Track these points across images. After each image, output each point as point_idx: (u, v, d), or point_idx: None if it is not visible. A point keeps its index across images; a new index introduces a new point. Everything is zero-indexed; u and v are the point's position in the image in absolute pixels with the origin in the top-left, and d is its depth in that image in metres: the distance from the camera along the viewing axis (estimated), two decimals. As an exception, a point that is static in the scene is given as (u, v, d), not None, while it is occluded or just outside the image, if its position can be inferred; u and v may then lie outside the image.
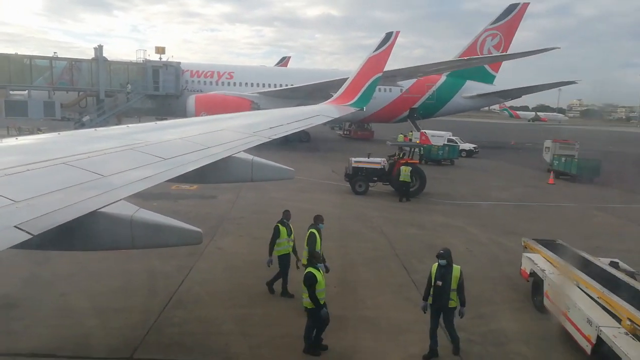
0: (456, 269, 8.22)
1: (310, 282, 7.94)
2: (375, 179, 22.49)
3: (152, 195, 16.88)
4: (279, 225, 10.42)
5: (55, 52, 40.76)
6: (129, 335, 8.44)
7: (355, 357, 8.23)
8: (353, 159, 22.56)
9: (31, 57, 39.45)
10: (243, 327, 8.95)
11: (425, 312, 8.43)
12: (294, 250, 10.59)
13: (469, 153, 40.57)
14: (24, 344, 7.95)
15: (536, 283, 10.51)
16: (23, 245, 2.99)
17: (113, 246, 5.04)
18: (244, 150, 7.31)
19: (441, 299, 8.12)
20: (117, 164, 4.85)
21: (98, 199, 3.91)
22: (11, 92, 38.60)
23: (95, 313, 9.03)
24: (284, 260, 10.40)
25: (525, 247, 11.88)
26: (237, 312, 9.58)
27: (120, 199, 4.16)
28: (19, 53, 39.48)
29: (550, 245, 11.56)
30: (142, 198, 4.78)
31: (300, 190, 21.79)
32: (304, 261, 9.81)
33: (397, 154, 23.33)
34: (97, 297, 9.89)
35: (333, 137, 54.69)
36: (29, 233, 3.02)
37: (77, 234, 4.27)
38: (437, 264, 8.30)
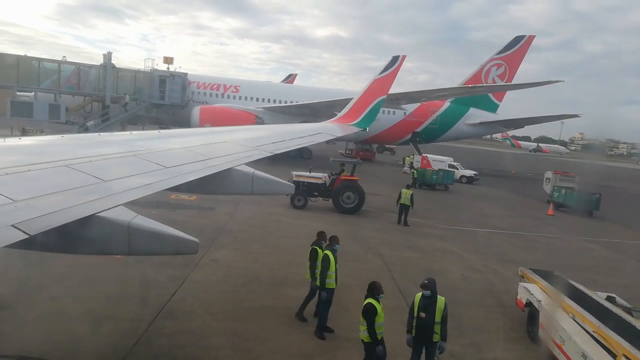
0: (441, 300, 7.74)
1: (369, 314, 7.49)
2: (316, 194, 22.40)
3: (150, 203, 16.85)
4: (328, 253, 9.67)
5: (64, 56, 41.22)
6: (118, 343, 8.32)
7: (345, 379, 8.11)
8: (294, 173, 22.38)
9: (40, 60, 39.83)
10: (234, 341, 8.84)
11: (410, 346, 7.87)
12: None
13: (470, 180, 40.57)
14: (12, 346, 7.84)
15: (532, 313, 10.41)
16: (19, 245, 2.98)
17: (109, 251, 5.02)
18: (246, 164, 7.32)
19: (424, 332, 7.64)
20: (118, 169, 4.86)
21: (97, 203, 3.90)
22: (18, 92, 38.87)
23: (85, 318, 8.92)
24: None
25: (522, 277, 11.78)
26: (229, 325, 9.47)
27: (119, 205, 4.16)
28: (28, 55, 39.88)
29: (547, 275, 11.48)
30: (140, 205, 4.77)
31: (299, 208, 21.75)
32: (308, 276, 9.74)
33: (341, 169, 23.30)
34: (88, 302, 9.79)
35: (335, 156, 54.75)
36: (25, 233, 3.01)
37: (73, 237, 4.26)
38: (420, 294, 7.84)
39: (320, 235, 10.35)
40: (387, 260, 15.06)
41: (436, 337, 7.64)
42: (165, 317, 9.49)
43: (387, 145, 62.48)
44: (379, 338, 7.57)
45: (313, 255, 10.02)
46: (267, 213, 19.94)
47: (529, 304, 10.58)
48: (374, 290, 7.75)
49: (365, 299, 7.73)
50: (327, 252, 9.68)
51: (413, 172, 35.13)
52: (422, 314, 7.67)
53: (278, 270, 13.23)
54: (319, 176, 22.69)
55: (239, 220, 18.42)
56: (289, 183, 8.26)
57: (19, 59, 38.76)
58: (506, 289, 13.41)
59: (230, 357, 8.29)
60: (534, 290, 10.67)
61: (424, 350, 7.79)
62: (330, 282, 9.53)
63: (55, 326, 8.62)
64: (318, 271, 9.61)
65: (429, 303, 7.71)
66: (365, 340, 7.60)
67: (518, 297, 11.22)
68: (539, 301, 10.11)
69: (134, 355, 7.99)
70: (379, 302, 7.65)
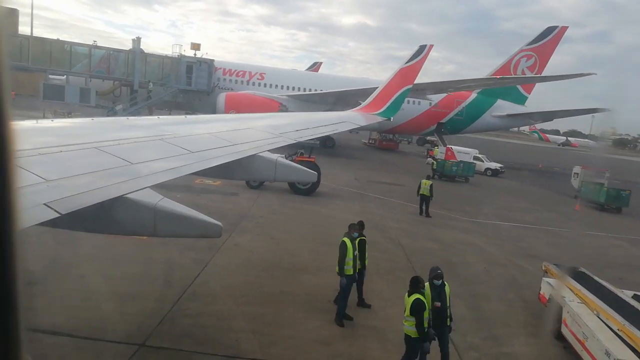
0: (447, 285, 8.02)
1: (419, 309, 7.41)
2: None
3: (176, 187, 17.16)
4: (346, 240, 9.73)
5: (95, 41, 42.00)
6: (142, 322, 8.58)
7: (363, 366, 8.19)
8: None
9: (72, 44, 40.67)
10: (254, 325, 9.01)
11: (435, 340, 7.73)
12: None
13: (495, 172, 39.89)
14: (43, 321, 8.16)
15: (554, 309, 10.26)
16: (50, 224, 3.09)
17: (135, 232, 5.16)
18: (269, 150, 7.38)
19: (440, 321, 7.77)
20: (145, 153, 4.96)
21: (125, 184, 4.01)
22: (50, 76, 39.83)
23: (111, 297, 9.22)
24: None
25: (546, 272, 11.62)
26: (250, 309, 9.64)
27: (146, 187, 4.27)
28: (60, 39, 40.77)
29: (572, 272, 11.27)
30: (166, 188, 4.88)
31: (320, 195, 21.84)
32: (337, 269, 9.68)
33: (297, 151, 22.82)
34: (115, 281, 10.10)
35: (358, 145, 54.62)
36: (57, 212, 3.11)
37: (102, 217, 4.39)
38: (426, 284, 7.87)
39: (352, 227, 10.23)
40: (407, 251, 15.03)
41: (447, 321, 7.89)
42: (189, 299, 9.73)
43: (428, 138, 60.91)
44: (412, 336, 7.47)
45: (359, 246, 10.17)
46: (289, 200, 20.08)
47: (551, 300, 10.46)
48: (418, 284, 7.66)
49: (410, 295, 7.59)
50: (345, 239, 9.74)
51: (432, 163, 34.54)
52: (437, 304, 7.75)
53: (298, 256, 13.36)
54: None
55: (262, 207, 18.61)
56: (312, 171, 8.30)
57: (52, 43, 39.66)
58: (528, 284, 13.24)
59: (250, 340, 8.46)
60: (558, 286, 10.51)
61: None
62: (348, 269, 9.56)
63: (84, 304, 8.93)
64: (348, 259, 9.62)
65: (440, 291, 7.86)
66: (413, 336, 7.47)
67: (541, 292, 11.12)
68: (562, 297, 9.97)
69: (157, 334, 8.23)
70: (424, 297, 7.58)
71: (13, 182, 1.00)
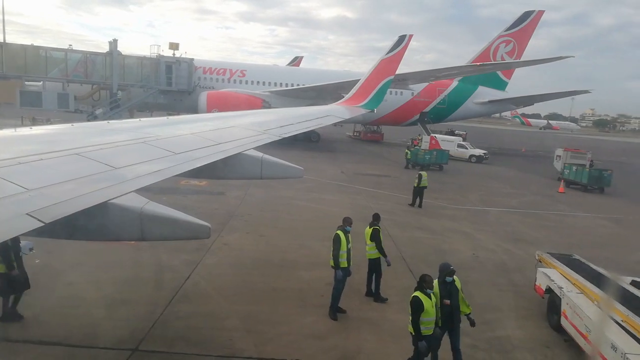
0: (457, 280, 7.74)
1: (414, 307, 7.13)
2: None
3: (161, 189, 17.01)
4: (339, 233, 9.73)
5: (70, 45, 41.29)
6: (134, 327, 8.49)
7: (360, 357, 8.23)
8: None
9: (47, 49, 39.88)
10: (248, 323, 8.98)
11: (427, 351, 7.34)
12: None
13: (479, 159, 40.30)
14: (33, 331, 8.04)
15: (552, 301, 9.88)
16: (34, 233, 3.03)
17: (122, 237, 5.10)
18: (254, 148, 7.33)
19: (451, 318, 7.54)
20: (129, 156, 4.89)
21: (109, 190, 3.94)
22: (26, 82, 39.04)
23: (102, 303, 9.10)
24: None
25: (540, 261, 11.22)
26: (243, 308, 9.61)
27: (131, 192, 4.20)
28: (35, 44, 39.98)
29: (565, 259, 10.81)
30: (152, 191, 4.82)
31: (308, 190, 21.84)
32: (331, 262, 9.71)
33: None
34: (105, 287, 9.98)
35: (342, 138, 54.67)
36: (40, 221, 3.05)
37: (87, 224, 4.32)
38: (434, 281, 7.60)
39: (346, 220, 10.17)
40: (397, 241, 15.11)
41: (459, 317, 7.69)
42: (180, 301, 9.66)
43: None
44: (423, 333, 7.17)
45: (373, 235, 10.38)
46: (277, 197, 20.03)
47: (549, 291, 10.07)
48: (422, 283, 7.31)
49: (414, 291, 7.36)
50: (339, 232, 9.76)
51: (407, 153, 34.15)
52: (447, 301, 7.49)
53: (289, 253, 13.34)
54: None
55: (249, 204, 18.54)
56: (298, 167, 8.27)
57: (27, 49, 38.83)
58: (518, 267, 13.44)
59: (244, 339, 8.43)
60: (554, 276, 10.13)
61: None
62: (343, 262, 9.60)
63: (73, 311, 8.81)
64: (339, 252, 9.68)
65: (451, 287, 7.61)
66: (411, 332, 7.30)
67: (537, 283, 10.71)
68: (560, 288, 9.59)
69: (150, 338, 8.16)
70: (428, 297, 7.22)
71: None
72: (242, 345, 8.19)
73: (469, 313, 7.87)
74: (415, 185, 20.68)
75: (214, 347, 8.06)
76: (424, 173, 20.87)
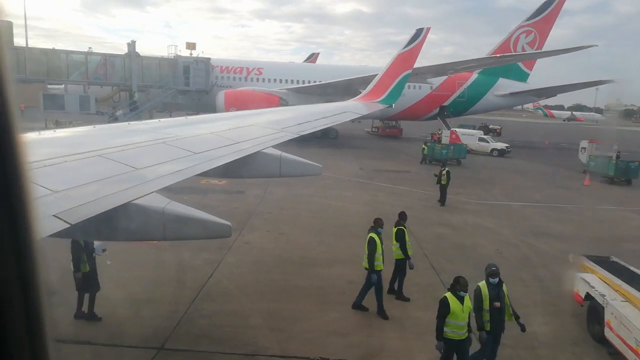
0: (503, 283, 7.50)
1: (440, 307, 6.95)
2: None
3: (182, 189, 17.17)
4: (374, 236, 9.69)
5: (90, 47, 41.93)
6: (159, 325, 8.61)
7: (382, 355, 8.18)
8: None
9: (67, 52, 40.64)
10: (270, 321, 9.01)
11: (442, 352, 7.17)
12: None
13: (501, 152, 39.62)
14: (62, 331, 8.21)
15: (594, 309, 9.08)
16: (60, 234, 3.07)
17: (145, 237, 5.15)
18: (272, 146, 7.33)
19: (500, 321, 7.28)
20: (150, 157, 4.93)
21: (132, 191, 3.98)
22: (49, 86, 39.87)
23: (127, 303, 9.24)
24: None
25: (576, 265, 10.37)
26: (265, 306, 9.65)
27: (153, 192, 4.24)
28: (56, 48, 40.77)
29: (603, 262, 9.97)
30: (173, 191, 4.85)
31: (327, 187, 21.79)
32: (365, 264, 9.65)
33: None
34: (129, 287, 10.12)
35: (361, 134, 54.45)
36: (66, 222, 3.09)
37: (111, 224, 4.36)
38: (483, 284, 7.37)
39: (377, 221, 10.10)
40: (418, 237, 14.96)
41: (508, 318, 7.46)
42: (204, 299, 9.75)
43: (490, 126, 60.62)
44: (450, 337, 6.92)
45: (398, 236, 10.31)
46: (296, 194, 20.05)
47: (589, 298, 9.26)
48: (455, 284, 7.05)
49: (447, 291, 7.15)
50: (373, 235, 9.66)
51: (423, 149, 33.42)
52: (497, 304, 7.22)
53: (309, 250, 13.34)
54: None
55: (269, 203, 18.60)
56: (316, 164, 8.25)
57: (48, 53, 39.65)
58: (542, 263, 13.19)
59: (267, 336, 8.47)
60: (594, 282, 9.30)
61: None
62: (379, 265, 9.56)
63: (100, 311, 8.95)
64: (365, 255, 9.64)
65: (498, 290, 7.37)
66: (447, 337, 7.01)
67: (575, 289, 9.83)
68: (602, 296, 8.78)
69: (175, 336, 8.25)
70: (459, 300, 6.94)
71: (29, 193, 1.00)
72: (266, 343, 8.22)
73: (519, 318, 7.58)
74: (440, 182, 19.98)
75: (238, 345, 8.11)
76: (444, 170, 20.20)
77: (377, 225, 9.92)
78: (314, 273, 11.72)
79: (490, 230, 16.53)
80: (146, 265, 11.23)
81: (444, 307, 6.92)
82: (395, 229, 10.43)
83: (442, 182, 19.89)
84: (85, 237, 4.62)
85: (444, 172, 19.96)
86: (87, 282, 8.63)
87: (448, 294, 7.02)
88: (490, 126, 62.01)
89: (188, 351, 7.88)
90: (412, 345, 8.52)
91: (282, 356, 7.88)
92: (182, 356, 7.78)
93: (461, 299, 6.95)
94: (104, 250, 8.91)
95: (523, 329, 7.54)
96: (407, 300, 10.38)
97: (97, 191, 3.72)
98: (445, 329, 6.95)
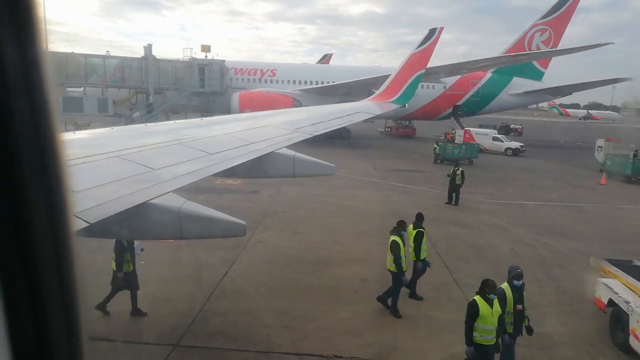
0: (524, 285, 7.43)
1: (469, 311, 6.78)
2: None
3: (198, 189, 17.38)
4: (397, 239, 9.62)
5: (108, 51, 42.62)
6: (175, 323, 8.76)
7: (396, 354, 8.21)
8: None
9: (86, 56, 41.34)
10: (284, 319, 9.11)
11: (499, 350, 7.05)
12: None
13: (515, 152, 39.23)
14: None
15: (617, 316, 8.70)
16: (80, 233, 3.19)
17: (162, 236, 5.26)
18: (286, 146, 7.42)
19: (521, 325, 7.21)
20: (166, 158, 5.06)
21: (149, 190, 4.10)
22: (68, 89, 40.58)
23: (144, 300, 9.40)
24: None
25: (596, 269, 10.07)
26: (278, 304, 9.75)
27: (169, 192, 4.35)
28: (75, 52, 41.49)
29: (625, 266, 9.56)
30: (188, 191, 4.97)
31: (341, 187, 21.83)
32: (391, 267, 9.64)
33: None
34: (146, 285, 10.26)
35: (374, 135, 54.36)
36: (86, 221, 3.21)
37: (129, 224, 4.49)
38: (504, 285, 7.28)
39: (400, 224, 10.01)
40: (432, 237, 14.92)
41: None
42: (219, 297, 9.89)
43: (512, 126, 60.26)
44: (478, 342, 6.74)
45: (416, 238, 10.34)
46: (310, 194, 20.14)
47: (612, 304, 8.88)
48: (484, 287, 6.83)
49: (475, 295, 6.97)
50: (395, 237, 9.64)
51: (435, 148, 33.13)
52: (520, 306, 7.18)
53: (323, 249, 13.41)
54: None
55: (283, 202, 18.72)
56: (330, 164, 8.32)
57: (67, 57, 40.36)
58: (558, 263, 13.08)
59: (281, 334, 8.56)
60: (618, 288, 8.91)
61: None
62: (404, 266, 9.60)
63: (117, 308, 9.14)
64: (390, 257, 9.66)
65: (521, 292, 7.29)
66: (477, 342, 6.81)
67: (597, 296, 9.44)
68: (627, 302, 8.40)
69: (191, 333, 8.40)
70: (488, 303, 6.75)
71: (68, 191, 1.05)
72: (279, 341, 8.31)
73: (529, 321, 7.56)
74: (455, 181, 19.75)
75: (252, 343, 8.22)
76: (458, 170, 20.02)
77: (400, 227, 9.86)
78: (327, 272, 11.79)
79: (505, 230, 16.42)
80: (163, 264, 11.41)
81: (473, 311, 6.73)
82: (415, 232, 10.38)
83: (457, 182, 19.73)
84: (104, 236, 4.75)
85: (457, 171, 19.82)
86: (128, 281, 8.95)
87: (477, 297, 6.82)
88: (512, 126, 61.35)
89: (203, 348, 8.02)
90: (425, 344, 8.54)
91: (296, 354, 7.97)
92: (197, 353, 7.91)
93: (490, 302, 6.78)
94: (142, 250, 9.29)
95: (530, 332, 7.46)
96: (421, 299, 10.39)
97: (115, 191, 3.84)
98: (474, 333, 6.77)
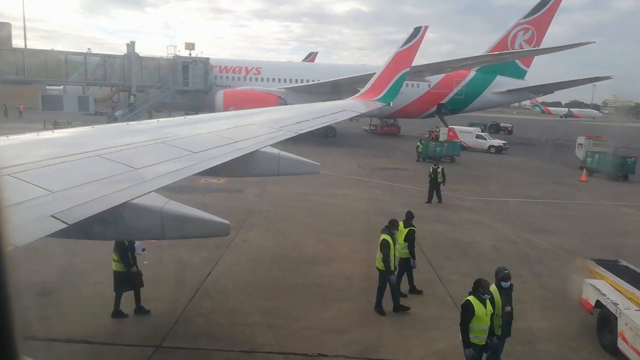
0: (512, 286, 7.39)
1: (464, 311, 6.74)
2: None
3: (181, 188, 17.21)
4: (387, 237, 9.60)
5: (89, 48, 41.96)
6: (158, 324, 8.67)
7: (380, 351, 8.24)
8: None
9: (66, 53, 40.63)
10: (269, 318, 9.08)
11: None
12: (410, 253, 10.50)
13: (498, 149, 39.72)
14: (60, 330, 8.26)
15: (605, 318, 8.55)
16: (59, 234, 3.12)
17: (144, 236, 5.21)
18: (271, 145, 7.39)
19: (509, 327, 7.19)
20: (148, 157, 4.98)
21: (130, 190, 4.03)
22: (47, 87, 39.86)
23: (126, 302, 9.28)
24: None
25: (584, 269, 9.85)
26: (263, 304, 9.71)
27: (151, 191, 4.29)
28: (54, 49, 40.77)
29: (611, 266, 9.40)
30: (171, 190, 4.91)
31: (325, 185, 21.84)
32: (379, 266, 9.62)
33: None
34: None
35: (359, 133, 54.48)
36: (64, 222, 3.14)
37: (110, 224, 4.41)
38: (492, 287, 7.15)
39: (392, 223, 10.02)
40: (416, 234, 15.02)
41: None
42: (202, 297, 9.81)
43: (502, 124, 60.74)
44: (475, 343, 6.73)
45: (408, 236, 10.39)
46: (295, 193, 20.11)
47: (599, 306, 8.72)
48: (477, 287, 6.83)
49: (468, 295, 6.92)
50: (385, 236, 9.63)
51: (418, 146, 33.23)
52: (508, 308, 7.14)
53: (307, 248, 13.40)
54: None
55: (268, 201, 18.66)
56: (315, 162, 8.31)
57: (47, 54, 39.63)
58: (540, 259, 13.27)
59: (265, 334, 8.53)
60: (605, 289, 8.73)
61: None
62: (392, 265, 9.61)
63: (99, 310, 9.01)
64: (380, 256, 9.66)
65: (508, 293, 7.27)
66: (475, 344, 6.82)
67: (583, 296, 9.26)
68: (615, 304, 8.25)
69: (174, 334, 8.31)
70: (482, 303, 6.73)
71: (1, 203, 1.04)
72: (264, 340, 8.28)
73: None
74: (436, 179, 19.87)
75: (236, 343, 8.17)
76: (439, 168, 20.13)
77: (392, 226, 9.88)
78: (312, 271, 11.78)
79: (487, 227, 16.61)
80: (145, 265, 11.26)
81: (468, 312, 6.69)
82: (406, 230, 10.40)
83: (439, 180, 19.87)
84: (83, 237, 4.66)
85: (438, 170, 19.96)
86: (131, 281, 8.92)
87: (471, 298, 6.79)
88: (502, 124, 62.10)
89: (186, 349, 7.95)
90: (410, 341, 8.59)
91: (280, 353, 7.95)
92: (180, 354, 7.84)
93: (484, 302, 6.76)
94: (143, 250, 9.22)
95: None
96: (420, 292, 10.56)
97: (95, 191, 3.77)
98: (473, 334, 6.74)
